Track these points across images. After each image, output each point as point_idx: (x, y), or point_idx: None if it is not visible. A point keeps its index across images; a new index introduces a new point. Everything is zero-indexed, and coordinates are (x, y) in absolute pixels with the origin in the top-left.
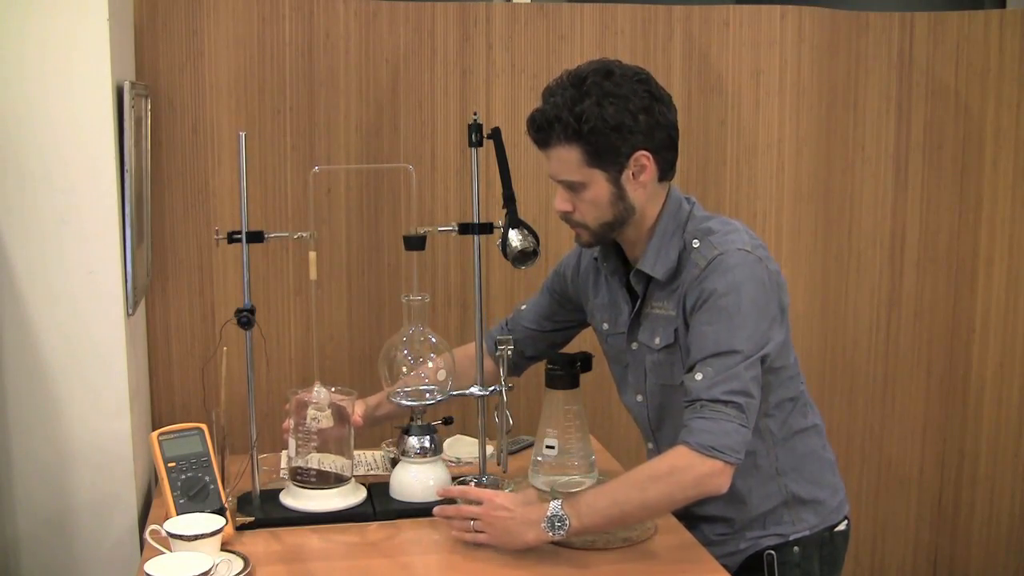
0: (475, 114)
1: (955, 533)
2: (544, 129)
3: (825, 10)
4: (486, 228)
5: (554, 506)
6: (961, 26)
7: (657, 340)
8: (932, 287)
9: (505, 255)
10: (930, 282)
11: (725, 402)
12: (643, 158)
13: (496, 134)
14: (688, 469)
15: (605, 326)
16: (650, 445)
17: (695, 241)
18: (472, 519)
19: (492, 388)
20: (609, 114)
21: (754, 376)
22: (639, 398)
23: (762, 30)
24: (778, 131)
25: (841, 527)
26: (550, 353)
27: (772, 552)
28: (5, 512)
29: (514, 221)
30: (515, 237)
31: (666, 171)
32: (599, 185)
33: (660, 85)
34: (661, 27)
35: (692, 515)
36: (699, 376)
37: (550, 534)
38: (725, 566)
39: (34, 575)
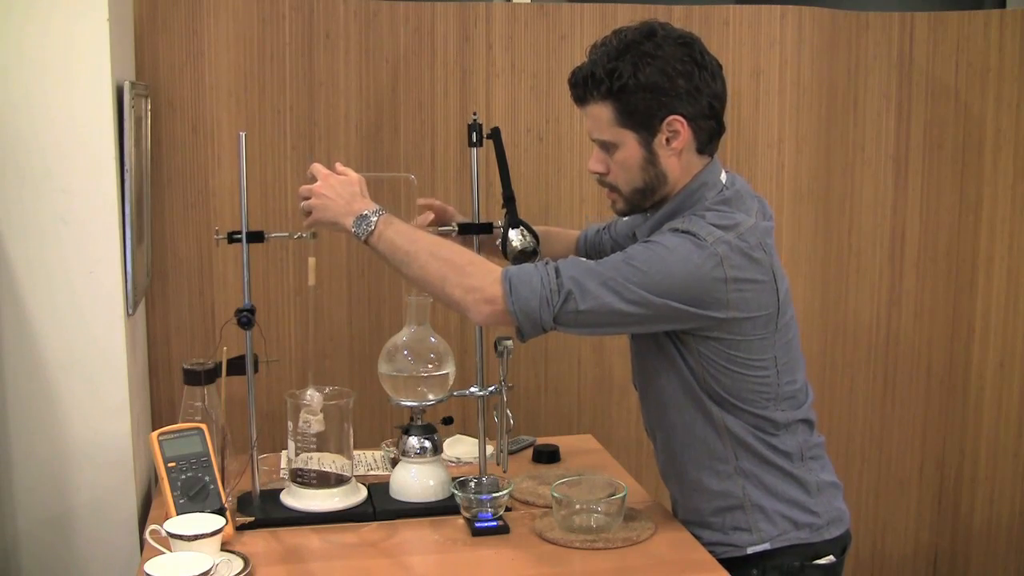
0: (475, 114)
1: (955, 533)
2: (580, 85)
3: (825, 10)
4: (486, 228)
5: (375, 211)
6: (961, 26)
7: None
8: (932, 287)
9: (505, 255)
10: (930, 282)
11: (559, 274)
12: (677, 123)
13: (496, 134)
14: (477, 276)
15: None
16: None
17: (682, 220)
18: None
19: (491, 388)
20: (643, 74)
21: (602, 302)
22: (633, 375)
23: (762, 30)
24: (778, 131)
25: (823, 560)
26: None
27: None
28: (5, 512)
29: (514, 221)
30: (515, 237)
31: (705, 142)
32: (630, 147)
33: (708, 52)
34: None
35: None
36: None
37: (352, 229)
38: None
39: (34, 575)
